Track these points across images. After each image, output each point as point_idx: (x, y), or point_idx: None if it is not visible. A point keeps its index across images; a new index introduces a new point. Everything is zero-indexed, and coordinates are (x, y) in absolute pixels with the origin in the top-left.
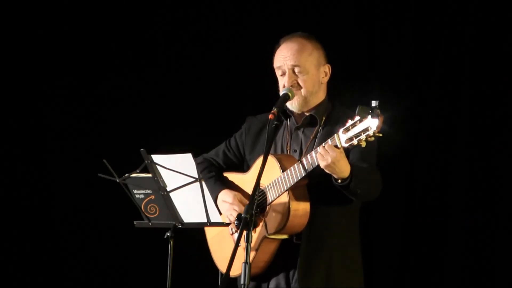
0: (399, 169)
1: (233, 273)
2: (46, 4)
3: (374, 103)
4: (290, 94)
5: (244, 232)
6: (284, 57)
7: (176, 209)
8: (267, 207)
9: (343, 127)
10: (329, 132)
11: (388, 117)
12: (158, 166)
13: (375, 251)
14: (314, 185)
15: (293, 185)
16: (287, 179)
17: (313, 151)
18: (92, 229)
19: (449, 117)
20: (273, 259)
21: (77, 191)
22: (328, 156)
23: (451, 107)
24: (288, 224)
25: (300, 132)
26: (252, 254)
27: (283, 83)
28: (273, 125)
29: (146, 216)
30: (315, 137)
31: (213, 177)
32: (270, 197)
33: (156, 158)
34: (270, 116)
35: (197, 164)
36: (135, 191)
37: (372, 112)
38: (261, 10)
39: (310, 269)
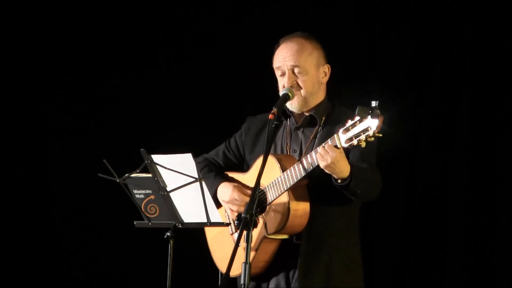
0: (399, 169)
1: (233, 273)
2: (46, 4)
3: (374, 103)
4: (290, 94)
5: (244, 232)
6: (284, 57)
7: (176, 209)
8: (267, 207)
9: (343, 127)
10: (329, 132)
11: (388, 117)
12: (158, 166)
13: (375, 251)
14: (314, 185)
15: (293, 185)
16: (287, 179)
17: (313, 151)
18: (92, 229)
19: (449, 117)
20: (273, 259)
21: (77, 191)
22: (328, 156)
23: (451, 107)
24: (288, 224)
25: (300, 132)
26: (252, 254)
27: (282, 83)
28: (273, 125)
29: (146, 216)
30: (315, 137)
31: (213, 173)
32: (270, 197)
33: (156, 158)
34: (270, 116)
35: (197, 164)
36: (135, 191)
37: (372, 112)
38: (261, 10)
39: (310, 269)
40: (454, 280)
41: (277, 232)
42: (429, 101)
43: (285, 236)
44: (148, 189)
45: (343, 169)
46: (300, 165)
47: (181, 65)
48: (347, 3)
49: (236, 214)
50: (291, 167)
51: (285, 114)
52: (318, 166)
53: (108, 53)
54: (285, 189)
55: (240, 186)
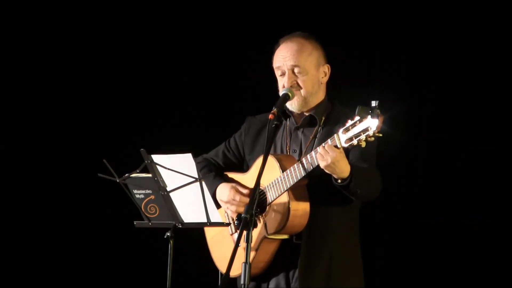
0: (399, 169)
1: (233, 273)
2: (46, 4)
3: (374, 103)
4: (290, 94)
5: (244, 232)
6: (284, 57)
7: (176, 209)
8: (267, 207)
9: (343, 127)
10: (329, 132)
11: (388, 117)
12: (158, 166)
13: (375, 251)
14: (314, 185)
15: (293, 185)
16: (287, 179)
17: (313, 151)
18: (92, 229)
19: (449, 117)
20: (273, 259)
21: (77, 191)
22: (328, 156)
23: (451, 107)
24: (288, 224)
25: (299, 132)
26: (252, 254)
27: (282, 83)
28: (273, 125)
29: (146, 216)
30: (315, 137)
31: (212, 173)
32: (270, 197)
33: (156, 158)
34: (270, 116)
35: (197, 164)
36: (135, 191)
37: (372, 112)
38: (261, 10)
39: (310, 269)
40: (454, 280)
41: (277, 232)
42: (429, 101)
43: (285, 236)
44: (148, 189)
45: (343, 169)
46: (300, 165)
47: (181, 65)
48: (347, 3)
49: (235, 214)
50: (291, 167)
51: (285, 114)
52: (318, 166)
53: (108, 53)
54: (285, 189)
55: (238, 186)
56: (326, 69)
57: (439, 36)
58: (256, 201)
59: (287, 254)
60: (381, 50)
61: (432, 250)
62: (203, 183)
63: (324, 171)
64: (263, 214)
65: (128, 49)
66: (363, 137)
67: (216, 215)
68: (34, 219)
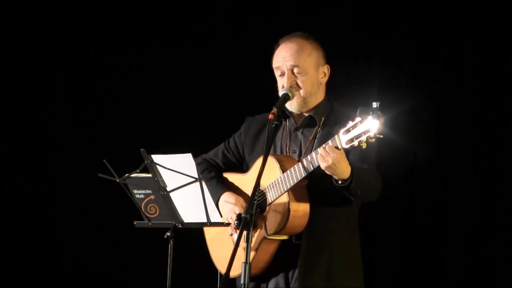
0: (399, 169)
1: (233, 273)
2: (46, 4)
3: (374, 105)
4: (290, 94)
5: (244, 232)
6: (283, 57)
7: (176, 209)
8: (267, 207)
9: (343, 128)
10: (328, 132)
11: (389, 118)
12: (158, 166)
13: (375, 251)
14: (314, 185)
15: (293, 185)
16: (287, 180)
17: (313, 152)
18: (92, 229)
19: (449, 117)
20: (273, 259)
21: (77, 191)
22: (329, 157)
23: (451, 107)
24: (288, 225)
25: (299, 133)
26: (252, 254)
27: (282, 83)
28: (273, 125)
29: (146, 216)
30: (314, 137)
31: (214, 178)
32: (270, 197)
33: (156, 158)
34: (270, 116)
35: (197, 165)
36: (135, 191)
37: (373, 114)
38: (261, 10)
39: (310, 269)
40: (454, 280)
41: (277, 232)
42: (429, 101)
43: (284, 237)
44: (148, 189)
45: (344, 170)
46: (301, 166)
47: (181, 65)
48: (347, 3)
49: (234, 230)
50: (291, 168)
51: (284, 114)
52: (318, 167)
53: (108, 53)
54: (285, 189)
55: (242, 198)
56: (325, 69)
57: (439, 36)
58: (256, 202)
59: (287, 254)
60: (381, 50)
61: (432, 250)
62: (205, 185)
63: (325, 172)
64: (263, 215)
65: (128, 49)
66: (364, 138)
67: (216, 215)
68: (34, 219)
